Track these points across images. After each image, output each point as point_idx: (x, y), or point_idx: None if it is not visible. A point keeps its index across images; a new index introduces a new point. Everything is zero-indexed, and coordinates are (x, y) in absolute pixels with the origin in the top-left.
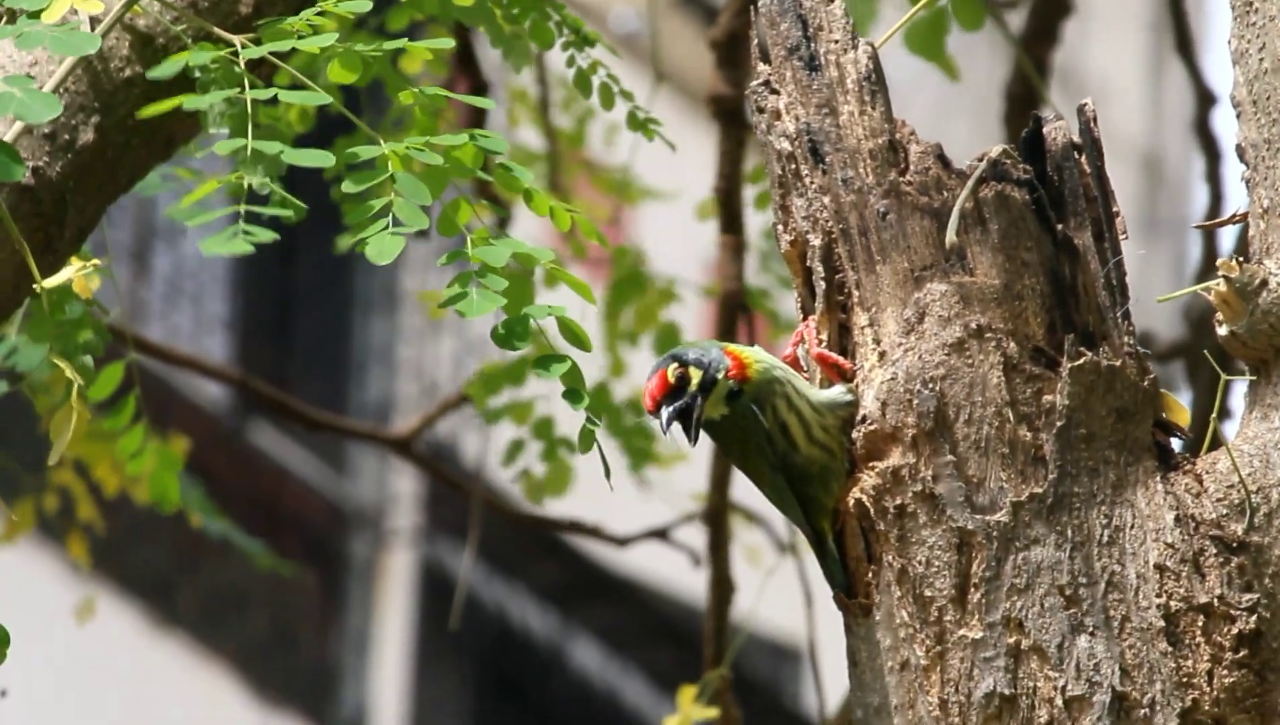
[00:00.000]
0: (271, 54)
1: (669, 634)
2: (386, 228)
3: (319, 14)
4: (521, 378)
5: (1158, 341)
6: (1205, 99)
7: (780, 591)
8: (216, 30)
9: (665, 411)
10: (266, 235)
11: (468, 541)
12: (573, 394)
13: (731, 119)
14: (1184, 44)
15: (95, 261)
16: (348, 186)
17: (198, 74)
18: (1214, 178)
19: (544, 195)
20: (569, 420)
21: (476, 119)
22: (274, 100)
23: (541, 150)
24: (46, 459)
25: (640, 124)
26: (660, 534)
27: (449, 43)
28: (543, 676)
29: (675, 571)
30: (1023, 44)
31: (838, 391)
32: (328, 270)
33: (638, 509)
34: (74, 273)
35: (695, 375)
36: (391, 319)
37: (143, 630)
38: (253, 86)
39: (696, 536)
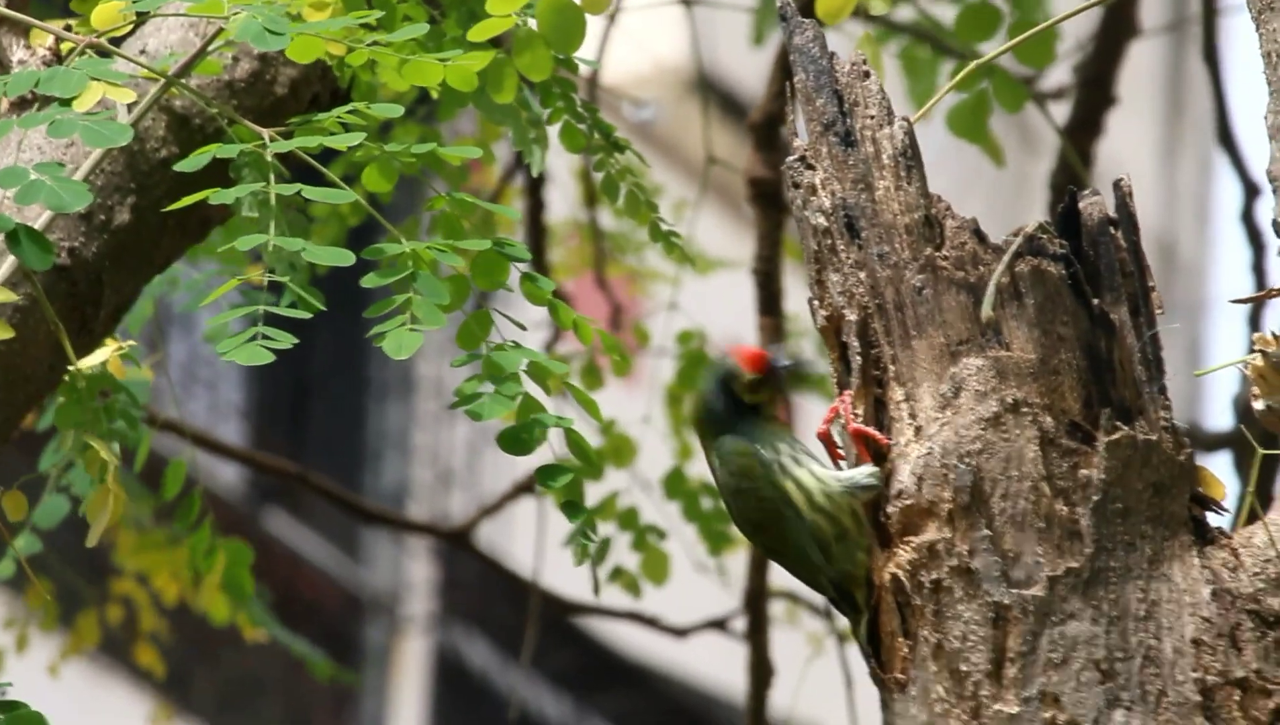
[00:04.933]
0: (308, 154)
1: (683, 720)
2: (405, 324)
3: (350, 112)
4: (600, 473)
5: (1204, 433)
6: (1250, 190)
7: (820, 676)
8: (246, 123)
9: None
10: (286, 340)
11: (524, 638)
12: (570, 507)
13: (770, 201)
14: (1225, 135)
15: (131, 342)
16: (370, 281)
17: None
18: (1259, 269)
19: (568, 308)
20: (650, 510)
21: (534, 205)
22: (299, 196)
23: (612, 228)
24: (105, 572)
25: (662, 235)
26: (719, 624)
27: (475, 152)
28: None
29: (690, 656)
30: (1067, 134)
31: (861, 473)
32: (343, 356)
33: (687, 599)
34: (109, 354)
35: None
36: (406, 405)
37: (161, 715)
38: (281, 179)
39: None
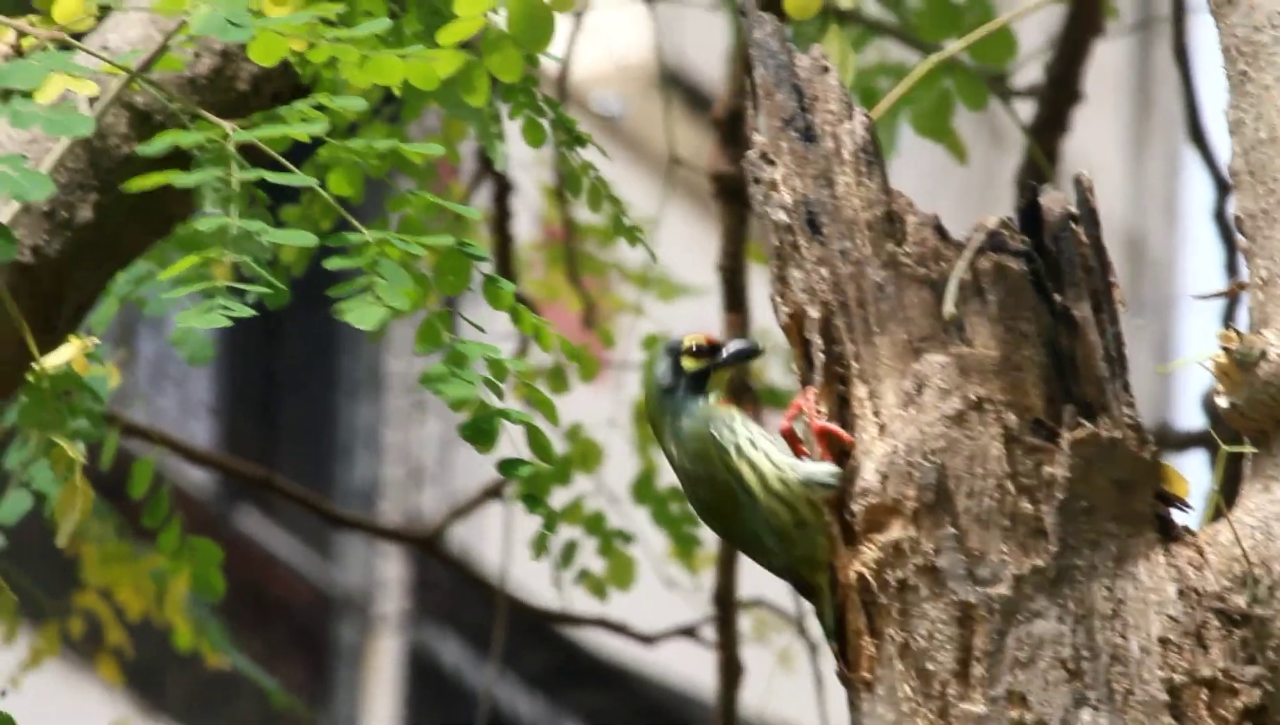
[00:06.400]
0: (271, 148)
1: (657, 719)
2: (368, 298)
3: (315, 107)
4: (567, 477)
5: (1174, 433)
6: (1222, 187)
7: (791, 676)
8: (208, 116)
9: (731, 347)
10: (244, 310)
11: (492, 643)
12: (531, 500)
13: (734, 197)
14: (1196, 133)
15: (95, 340)
16: (334, 262)
17: (194, 152)
18: (1232, 267)
19: (529, 313)
20: (616, 515)
21: (500, 214)
22: (261, 183)
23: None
24: (68, 581)
25: (625, 230)
26: (688, 632)
27: (439, 149)
28: None
29: (662, 657)
30: (1032, 132)
31: (821, 469)
32: (313, 353)
33: (656, 603)
34: (74, 352)
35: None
36: (377, 402)
37: (131, 718)
38: (243, 168)
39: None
